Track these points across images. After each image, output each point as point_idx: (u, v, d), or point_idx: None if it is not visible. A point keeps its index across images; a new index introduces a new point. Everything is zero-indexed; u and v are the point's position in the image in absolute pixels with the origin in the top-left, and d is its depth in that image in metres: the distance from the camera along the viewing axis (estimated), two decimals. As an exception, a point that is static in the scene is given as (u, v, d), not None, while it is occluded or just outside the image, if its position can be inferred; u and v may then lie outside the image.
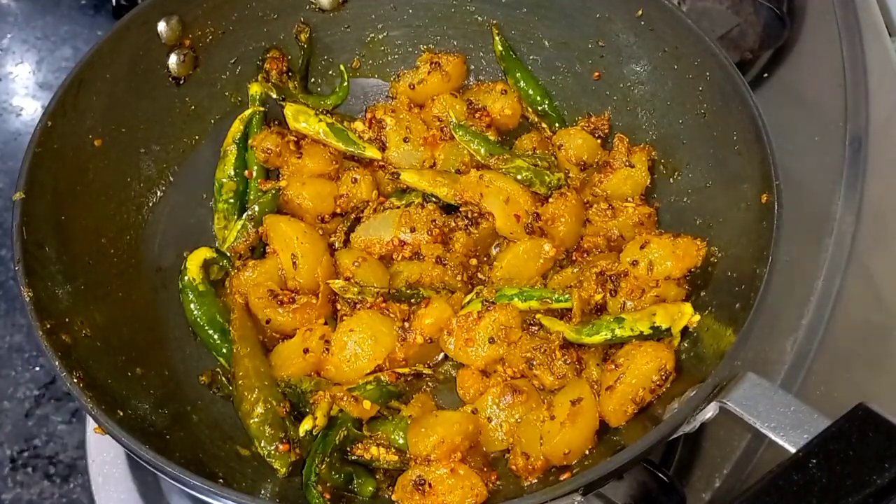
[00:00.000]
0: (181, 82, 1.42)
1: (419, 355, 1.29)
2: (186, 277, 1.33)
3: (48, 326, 1.09)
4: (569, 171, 1.43)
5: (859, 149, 1.52)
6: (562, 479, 1.09)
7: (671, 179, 1.37)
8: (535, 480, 1.15)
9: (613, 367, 1.17)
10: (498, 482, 1.17)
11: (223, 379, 1.27)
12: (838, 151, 1.53)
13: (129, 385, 1.16)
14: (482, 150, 1.41)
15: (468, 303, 1.30)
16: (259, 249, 1.39)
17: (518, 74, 1.50)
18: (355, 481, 1.18)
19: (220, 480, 1.06)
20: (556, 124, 1.50)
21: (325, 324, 1.30)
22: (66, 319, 1.14)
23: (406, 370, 1.26)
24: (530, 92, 1.50)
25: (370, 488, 1.18)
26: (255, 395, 1.20)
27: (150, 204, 1.38)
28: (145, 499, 1.31)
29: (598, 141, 1.45)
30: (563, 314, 1.28)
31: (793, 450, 0.92)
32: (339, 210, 1.42)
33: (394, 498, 1.14)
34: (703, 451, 1.35)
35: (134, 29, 1.33)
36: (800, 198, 1.40)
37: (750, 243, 1.16)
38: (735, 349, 1.04)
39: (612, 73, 1.45)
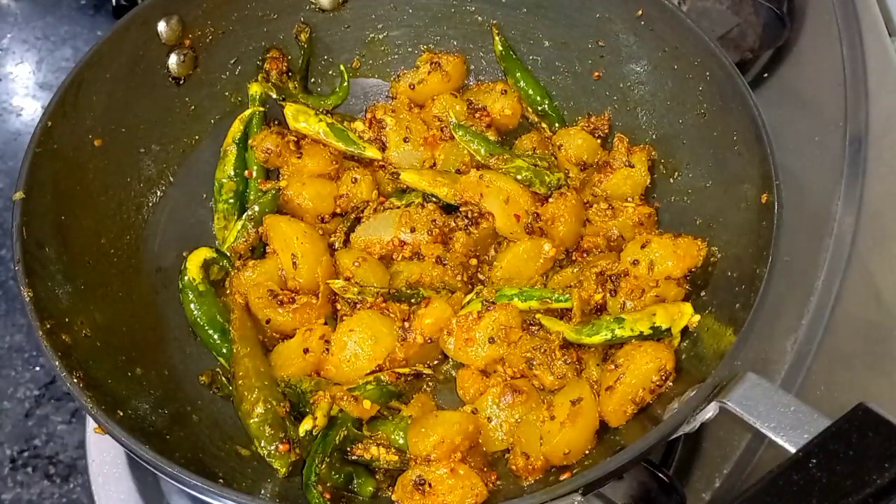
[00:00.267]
0: (181, 82, 1.42)
1: (419, 355, 1.29)
2: (186, 277, 1.33)
3: (48, 326, 1.09)
4: (569, 171, 1.43)
5: (859, 149, 1.52)
6: (562, 479, 1.09)
7: (671, 179, 1.37)
8: (535, 480, 1.15)
9: (613, 367, 1.17)
10: (498, 482, 1.17)
11: (223, 379, 1.27)
12: (838, 151, 1.53)
13: (129, 385, 1.16)
14: (482, 150, 1.41)
15: (468, 303, 1.30)
16: (259, 249, 1.39)
17: (518, 74, 1.51)
18: (355, 481, 1.18)
19: (220, 480, 1.06)
20: (556, 124, 1.50)
21: (325, 324, 1.30)
22: (66, 319, 1.14)
23: (406, 370, 1.26)
24: (530, 92, 1.50)
25: (370, 488, 1.18)
26: (255, 395, 1.20)
27: (150, 204, 1.38)
28: (145, 499, 1.30)
29: (598, 141, 1.45)
30: (563, 314, 1.29)
31: (793, 450, 0.92)
32: (339, 210, 1.42)
33: (394, 498, 1.14)
34: (703, 451, 1.35)
35: (134, 29, 1.33)
36: (800, 198, 1.40)
37: (750, 243, 1.16)
38: (735, 349, 1.04)
39: (612, 73, 1.45)
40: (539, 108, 1.50)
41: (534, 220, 1.35)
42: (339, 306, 1.33)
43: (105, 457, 1.33)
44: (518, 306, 1.28)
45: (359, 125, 1.49)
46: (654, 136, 1.41)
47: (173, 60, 1.40)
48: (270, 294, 1.30)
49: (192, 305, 1.32)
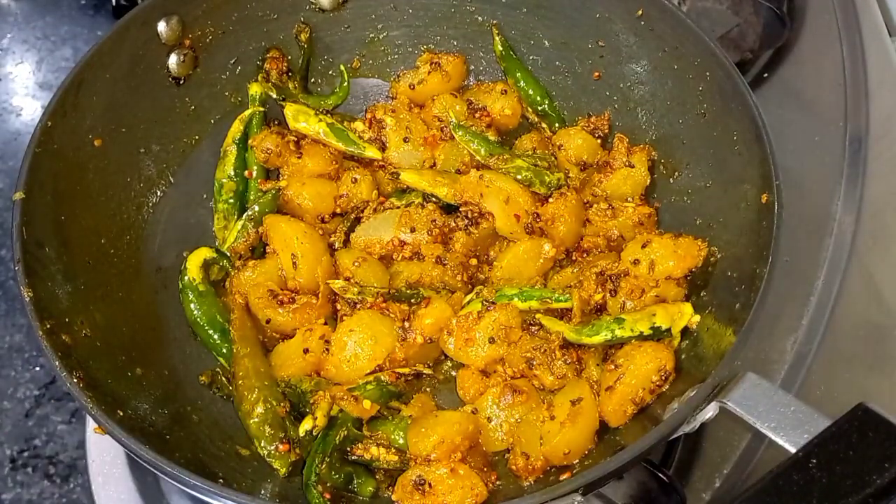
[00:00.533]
0: (181, 82, 1.42)
1: (419, 355, 1.28)
2: (186, 277, 1.33)
3: (48, 326, 1.09)
4: (569, 171, 1.43)
5: (859, 149, 1.52)
6: (562, 479, 1.09)
7: (671, 179, 1.37)
8: (535, 480, 1.15)
9: (613, 367, 1.17)
10: (498, 482, 1.17)
11: (223, 379, 1.27)
12: (838, 151, 1.53)
13: (129, 385, 1.16)
14: (482, 150, 1.41)
15: (468, 303, 1.30)
16: (259, 249, 1.39)
17: (518, 74, 1.51)
18: (355, 481, 1.18)
19: (220, 480, 1.06)
20: (556, 124, 1.50)
21: (325, 324, 1.30)
22: (66, 319, 1.14)
23: (406, 370, 1.26)
24: (530, 92, 1.50)
25: (370, 488, 1.18)
26: (255, 395, 1.20)
27: (150, 204, 1.38)
28: (145, 499, 1.30)
29: (598, 141, 1.45)
30: (563, 314, 1.28)
31: (793, 450, 0.92)
32: (339, 210, 1.42)
33: (394, 498, 1.14)
34: (703, 451, 1.35)
35: (134, 29, 1.33)
36: (800, 198, 1.40)
37: (750, 243, 1.16)
38: (735, 349, 1.04)
39: (612, 73, 1.45)
40: (539, 108, 1.50)
41: (534, 220, 1.35)
42: (339, 306, 1.33)
43: (105, 457, 1.33)
44: (518, 306, 1.28)
45: (359, 125, 1.49)
46: (654, 136, 1.41)
47: (173, 60, 1.39)
48: (270, 294, 1.30)
49: (192, 305, 1.32)
